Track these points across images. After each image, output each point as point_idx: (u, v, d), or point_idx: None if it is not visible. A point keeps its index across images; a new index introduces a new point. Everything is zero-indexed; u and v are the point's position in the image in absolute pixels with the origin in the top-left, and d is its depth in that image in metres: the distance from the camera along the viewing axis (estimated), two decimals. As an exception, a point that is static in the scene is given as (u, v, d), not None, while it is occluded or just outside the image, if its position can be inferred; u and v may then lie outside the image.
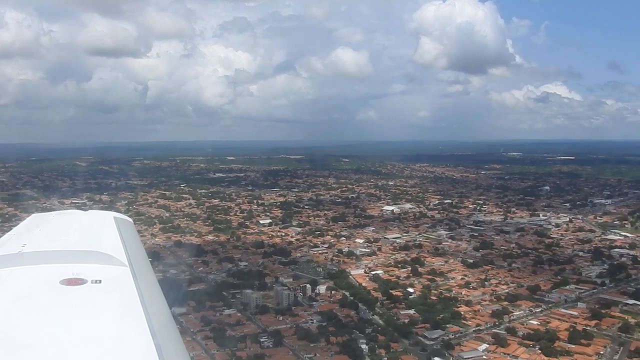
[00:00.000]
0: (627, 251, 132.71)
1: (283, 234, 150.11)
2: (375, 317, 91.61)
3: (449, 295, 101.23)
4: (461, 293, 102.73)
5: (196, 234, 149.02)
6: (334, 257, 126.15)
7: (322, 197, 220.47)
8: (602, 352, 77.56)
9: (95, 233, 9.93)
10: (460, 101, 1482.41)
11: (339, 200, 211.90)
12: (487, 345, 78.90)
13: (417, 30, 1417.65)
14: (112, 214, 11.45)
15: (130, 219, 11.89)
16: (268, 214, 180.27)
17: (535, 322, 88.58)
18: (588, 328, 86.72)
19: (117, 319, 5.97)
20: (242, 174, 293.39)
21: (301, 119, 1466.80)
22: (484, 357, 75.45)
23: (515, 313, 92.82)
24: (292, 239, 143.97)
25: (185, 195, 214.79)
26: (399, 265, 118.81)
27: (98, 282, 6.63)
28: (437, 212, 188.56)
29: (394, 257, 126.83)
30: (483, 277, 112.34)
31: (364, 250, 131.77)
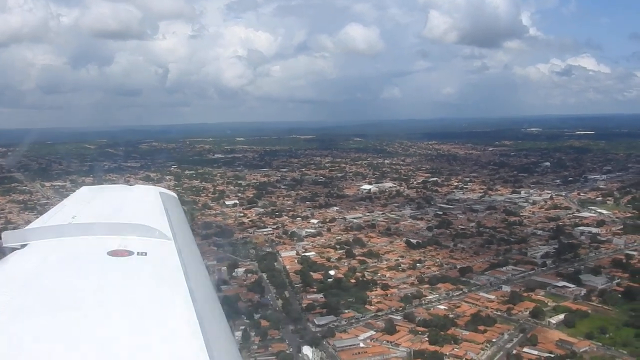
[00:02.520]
0: (591, 229, 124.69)
1: (241, 215, 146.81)
2: (279, 301, 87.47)
3: (370, 278, 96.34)
4: (385, 276, 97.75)
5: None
6: (277, 239, 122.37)
7: (307, 176, 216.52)
8: (494, 340, 71.85)
9: (142, 207, 10.01)
10: (486, 77, 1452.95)
11: (322, 179, 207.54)
12: (374, 333, 74.23)
13: (439, 6, 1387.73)
14: (157, 189, 11.54)
15: (175, 195, 11.88)
16: (239, 194, 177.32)
17: (442, 307, 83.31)
18: (498, 313, 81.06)
19: (161, 290, 6.01)
20: (240, 155, 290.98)
21: (324, 99, 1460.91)
22: (361, 345, 70.65)
23: (428, 297, 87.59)
24: (247, 220, 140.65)
25: (169, 177, 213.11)
26: (338, 247, 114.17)
27: (144, 254, 6.71)
28: (415, 190, 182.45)
29: (338, 237, 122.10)
30: (419, 258, 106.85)
31: (311, 231, 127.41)
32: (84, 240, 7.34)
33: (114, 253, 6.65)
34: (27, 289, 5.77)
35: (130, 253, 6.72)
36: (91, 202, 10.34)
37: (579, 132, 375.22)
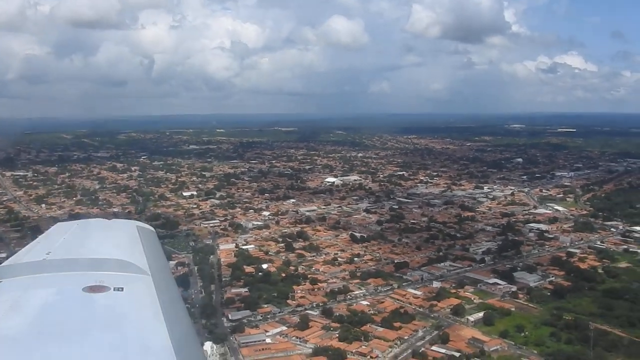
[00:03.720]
0: (541, 226, 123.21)
1: (194, 207, 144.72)
2: (202, 295, 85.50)
3: (302, 272, 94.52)
4: (319, 270, 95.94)
5: (105, 206, 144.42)
6: (222, 231, 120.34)
7: (275, 168, 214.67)
8: (406, 337, 70.11)
9: (118, 241, 9.87)
10: (476, 74, 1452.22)
11: (289, 172, 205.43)
12: (285, 328, 72.40)
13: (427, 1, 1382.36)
14: (135, 223, 11.49)
15: (152, 228, 11.77)
16: (200, 186, 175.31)
17: (365, 303, 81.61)
18: (420, 309, 79.52)
19: (138, 326, 5.99)
20: (215, 146, 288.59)
21: (313, 91, 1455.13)
22: (267, 341, 68.81)
23: (355, 292, 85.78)
24: (198, 212, 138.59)
25: (135, 167, 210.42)
26: (280, 240, 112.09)
27: (120, 289, 6.64)
28: (379, 184, 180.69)
29: (285, 230, 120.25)
30: (358, 252, 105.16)
31: (258, 223, 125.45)
32: (59, 277, 7.25)
33: (90, 289, 6.54)
34: (2, 326, 5.57)
35: (106, 289, 6.63)
36: (66, 237, 10.12)
37: (560, 130, 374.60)
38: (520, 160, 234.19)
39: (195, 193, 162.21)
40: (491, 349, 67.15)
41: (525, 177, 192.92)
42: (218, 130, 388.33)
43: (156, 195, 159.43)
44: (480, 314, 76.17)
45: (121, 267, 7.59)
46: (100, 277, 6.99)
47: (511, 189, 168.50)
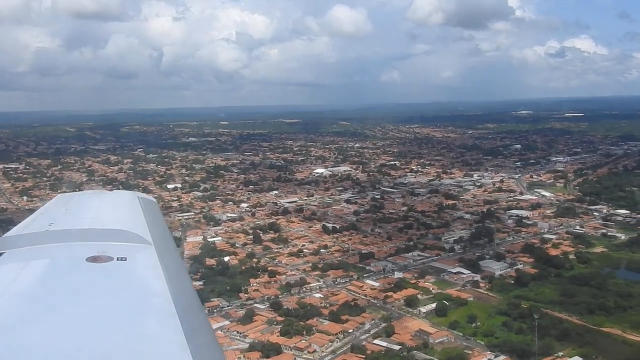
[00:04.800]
0: (523, 212, 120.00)
1: (175, 199, 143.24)
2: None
3: (264, 264, 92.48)
4: (281, 262, 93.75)
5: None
6: (194, 223, 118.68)
7: (268, 160, 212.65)
8: (351, 330, 67.67)
9: (120, 212, 9.80)
10: (485, 60, 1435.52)
11: (280, 163, 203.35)
12: (228, 323, 70.39)
13: None
14: (136, 194, 11.20)
15: (154, 199, 11.65)
16: (187, 178, 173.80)
17: (318, 296, 79.25)
18: (374, 301, 77.11)
19: (143, 295, 5.96)
20: (213, 139, 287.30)
21: (322, 82, 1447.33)
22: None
23: (312, 284, 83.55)
24: (176, 204, 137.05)
25: (128, 160, 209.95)
26: (251, 232, 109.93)
27: (123, 259, 6.66)
28: (368, 174, 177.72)
29: (258, 222, 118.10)
30: (326, 244, 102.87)
31: (233, 215, 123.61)
32: (62, 247, 7.23)
33: (93, 259, 6.50)
34: (5, 298, 5.52)
35: (109, 259, 6.56)
36: (68, 208, 10.01)
37: (567, 115, 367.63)
38: (518, 146, 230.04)
39: (179, 185, 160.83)
40: (436, 341, 64.54)
41: (519, 163, 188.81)
42: (222, 122, 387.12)
43: (140, 188, 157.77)
44: (433, 305, 73.36)
45: (124, 237, 7.54)
46: (103, 247, 6.88)
47: (502, 176, 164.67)
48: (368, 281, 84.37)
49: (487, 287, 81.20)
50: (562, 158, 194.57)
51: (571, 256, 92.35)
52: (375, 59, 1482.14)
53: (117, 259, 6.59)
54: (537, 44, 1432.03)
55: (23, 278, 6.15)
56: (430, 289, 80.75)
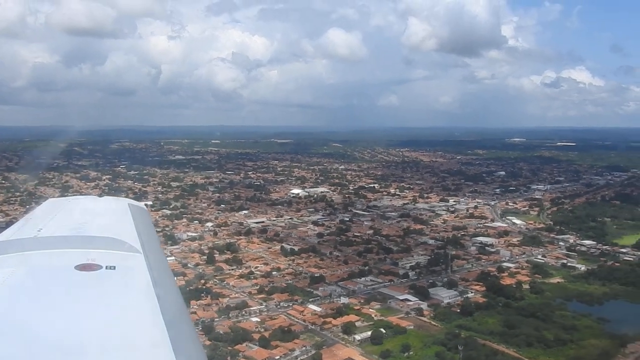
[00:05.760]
0: (489, 239, 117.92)
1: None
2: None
3: (209, 286, 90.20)
4: (229, 284, 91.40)
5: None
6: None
7: (248, 179, 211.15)
8: (278, 357, 65.24)
9: (110, 219, 9.73)
10: (486, 89, 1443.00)
11: (258, 182, 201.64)
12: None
13: (437, 16, 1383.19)
14: (126, 201, 11.29)
15: (144, 206, 11.64)
16: (161, 195, 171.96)
17: (255, 320, 76.61)
18: (312, 327, 74.67)
19: (130, 305, 5.89)
20: (199, 157, 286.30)
21: (322, 104, 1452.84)
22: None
23: (252, 308, 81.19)
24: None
25: (107, 176, 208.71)
26: (207, 252, 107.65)
27: (112, 268, 6.55)
28: (344, 196, 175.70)
29: (218, 242, 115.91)
30: (279, 266, 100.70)
31: (193, 234, 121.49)
32: (51, 255, 7.08)
33: (81, 267, 6.39)
34: None
35: (98, 267, 6.45)
36: (58, 214, 9.84)
37: (559, 144, 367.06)
38: (502, 173, 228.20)
39: (150, 203, 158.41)
40: (363, 371, 61.99)
41: (498, 190, 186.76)
42: (213, 141, 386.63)
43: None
44: (369, 333, 70.93)
45: (113, 245, 7.43)
46: (92, 255, 6.75)
47: (478, 202, 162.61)
48: (311, 306, 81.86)
49: (431, 315, 78.59)
50: (542, 186, 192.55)
51: (525, 286, 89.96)
52: (374, 83, 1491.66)
53: (106, 268, 6.48)
54: (534, 73, 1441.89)
55: (9, 286, 6.00)
56: (373, 315, 78.31)
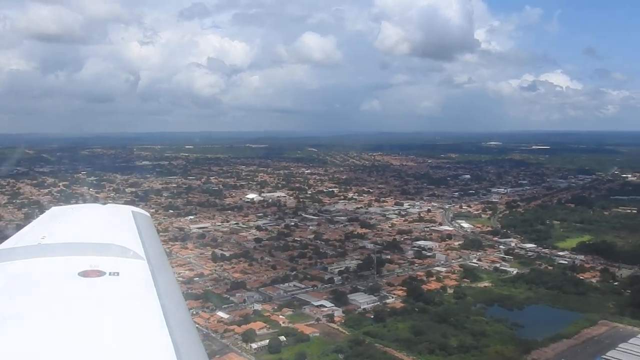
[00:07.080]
0: (428, 243, 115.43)
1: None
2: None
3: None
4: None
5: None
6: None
7: (208, 184, 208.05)
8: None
9: (113, 226, 9.57)
10: (468, 93, 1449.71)
11: (215, 188, 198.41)
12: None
13: (410, 20, 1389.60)
14: (130, 208, 11.17)
15: (147, 213, 11.39)
16: (110, 201, 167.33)
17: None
18: (213, 334, 71.77)
19: (134, 311, 5.86)
20: (166, 162, 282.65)
21: (303, 109, 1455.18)
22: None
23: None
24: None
25: (64, 182, 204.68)
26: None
27: (116, 274, 6.52)
28: (298, 200, 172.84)
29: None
30: (203, 272, 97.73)
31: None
32: (54, 261, 7.04)
33: (85, 274, 6.35)
34: None
35: (101, 273, 6.42)
36: (61, 222, 9.62)
37: (534, 147, 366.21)
38: (468, 176, 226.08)
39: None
40: (249, 381, 58.87)
41: (457, 193, 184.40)
42: (186, 146, 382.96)
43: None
44: (266, 341, 67.89)
45: (117, 251, 7.34)
46: (95, 261, 6.69)
47: (431, 206, 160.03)
48: (220, 313, 78.75)
49: (342, 321, 75.64)
50: (502, 189, 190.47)
51: (450, 290, 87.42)
52: (355, 88, 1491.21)
53: (110, 274, 6.41)
54: (512, 77, 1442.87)
55: (15, 292, 5.96)
56: (281, 322, 75.28)
